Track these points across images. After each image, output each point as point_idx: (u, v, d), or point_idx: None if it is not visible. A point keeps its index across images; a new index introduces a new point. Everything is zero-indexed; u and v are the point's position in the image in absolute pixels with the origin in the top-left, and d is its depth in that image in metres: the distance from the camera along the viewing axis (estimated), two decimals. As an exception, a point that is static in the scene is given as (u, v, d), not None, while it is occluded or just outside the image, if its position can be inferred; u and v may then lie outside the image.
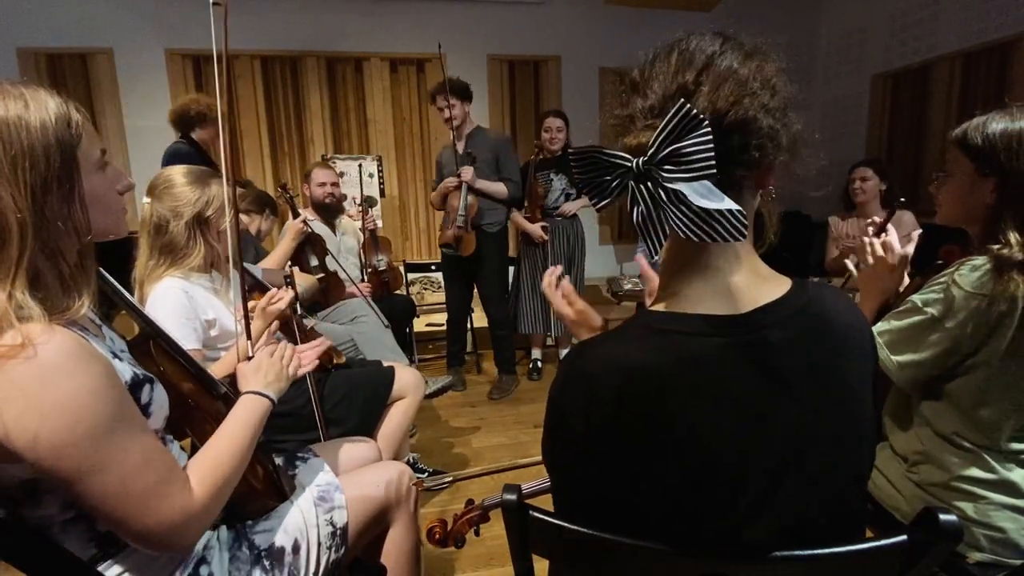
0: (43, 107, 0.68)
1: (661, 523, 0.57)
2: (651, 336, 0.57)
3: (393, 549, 1.19)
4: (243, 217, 2.46)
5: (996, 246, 0.94)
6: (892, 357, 1.03)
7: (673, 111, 0.47)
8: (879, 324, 1.07)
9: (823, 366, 0.57)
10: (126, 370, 0.77)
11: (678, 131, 0.48)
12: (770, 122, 0.54)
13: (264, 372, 1.01)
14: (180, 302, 1.34)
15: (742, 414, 0.55)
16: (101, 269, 0.92)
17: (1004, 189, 0.96)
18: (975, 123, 1.01)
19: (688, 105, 0.47)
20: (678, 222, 0.48)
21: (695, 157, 0.47)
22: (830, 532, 0.58)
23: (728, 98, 0.53)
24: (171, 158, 2.61)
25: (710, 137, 0.47)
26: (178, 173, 1.41)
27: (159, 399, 0.83)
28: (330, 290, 2.62)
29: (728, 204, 0.47)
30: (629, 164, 0.50)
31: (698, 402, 0.55)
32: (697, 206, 0.47)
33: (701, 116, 0.47)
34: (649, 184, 0.50)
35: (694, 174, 0.48)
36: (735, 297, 0.57)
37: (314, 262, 2.59)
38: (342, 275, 2.70)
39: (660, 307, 0.61)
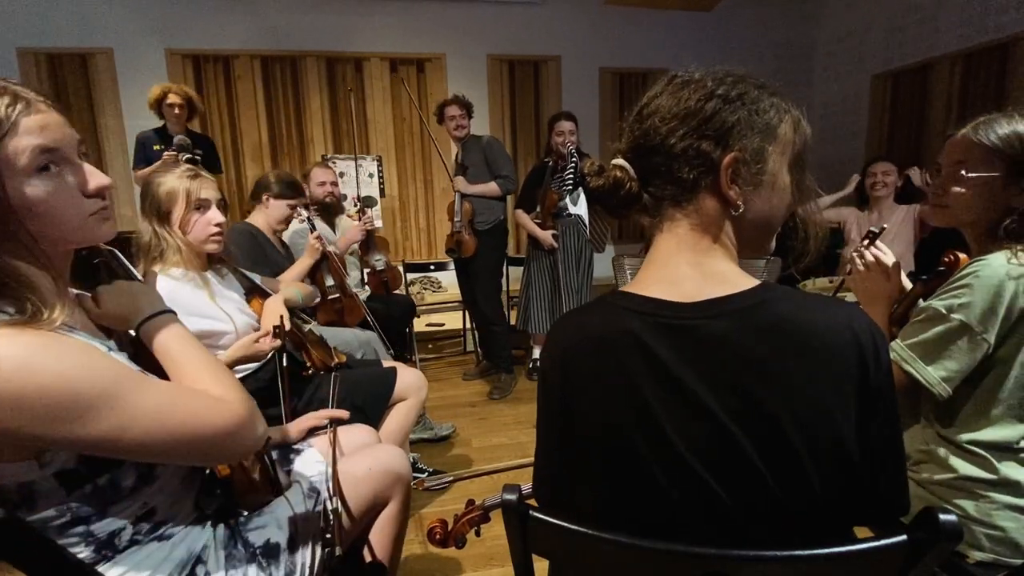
0: None
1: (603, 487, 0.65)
2: (601, 308, 0.68)
3: (382, 529, 1.20)
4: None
5: None
6: (929, 370, 1.00)
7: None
8: (900, 339, 1.05)
9: (768, 364, 0.58)
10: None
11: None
12: (684, 143, 0.63)
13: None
14: None
15: (663, 388, 0.60)
16: (115, 251, 0.91)
17: None
18: (1004, 125, 0.99)
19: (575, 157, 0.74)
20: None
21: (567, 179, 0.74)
22: (775, 530, 0.59)
23: (637, 132, 0.68)
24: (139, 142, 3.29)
25: (572, 168, 0.77)
26: (156, 172, 1.46)
27: None
28: (347, 312, 2.60)
29: (576, 211, 0.75)
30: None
31: (620, 367, 0.62)
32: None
33: (623, 147, 0.69)
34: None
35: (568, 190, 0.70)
36: (681, 287, 0.64)
37: (330, 282, 2.58)
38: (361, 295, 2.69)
39: (626, 287, 0.69)
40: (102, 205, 0.74)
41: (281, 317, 1.46)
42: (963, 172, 1.02)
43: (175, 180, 1.42)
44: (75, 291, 0.85)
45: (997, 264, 0.95)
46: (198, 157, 3.07)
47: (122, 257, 0.93)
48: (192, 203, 1.42)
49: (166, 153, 3.02)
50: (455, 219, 3.21)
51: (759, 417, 0.57)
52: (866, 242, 1.20)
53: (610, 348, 0.63)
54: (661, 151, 0.65)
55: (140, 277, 0.96)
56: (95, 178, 0.72)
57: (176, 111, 3.21)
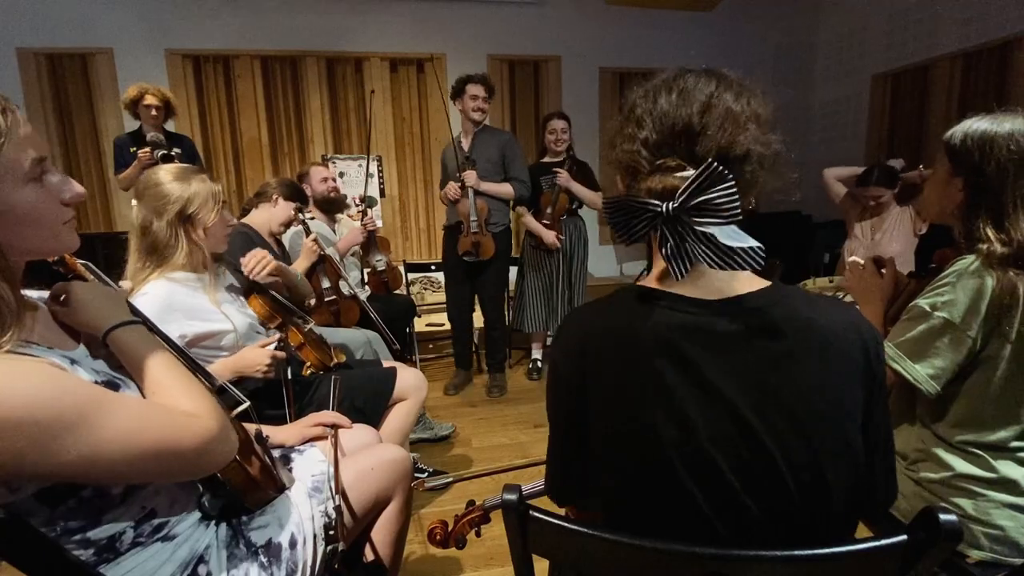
0: None
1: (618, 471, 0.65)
2: (618, 300, 0.68)
3: (383, 528, 1.21)
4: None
5: (983, 245, 0.96)
6: (917, 367, 1.01)
7: (702, 168, 0.57)
8: (889, 338, 1.06)
9: (783, 359, 0.60)
10: (86, 376, 0.74)
11: (707, 184, 0.57)
12: (759, 150, 0.64)
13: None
14: (151, 312, 1.31)
15: (685, 378, 0.61)
16: (90, 264, 0.92)
17: (973, 188, 0.99)
18: (962, 124, 1.03)
19: (717, 165, 0.56)
20: (705, 256, 0.59)
21: (724, 206, 0.57)
22: (786, 526, 0.60)
23: (728, 137, 0.62)
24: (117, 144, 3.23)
25: (734, 189, 0.56)
26: (164, 172, 1.40)
27: None
28: (343, 313, 2.61)
29: (749, 243, 0.58)
30: (658, 208, 0.59)
31: (641, 356, 0.63)
32: (724, 244, 0.58)
33: (712, 159, 0.57)
34: (678, 226, 0.59)
35: (724, 220, 0.57)
36: (704, 286, 0.65)
37: (326, 284, 2.58)
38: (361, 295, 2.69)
39: (644, 283, 0.70)
40: (73, 215, 0.74)
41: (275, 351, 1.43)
42: (928, 169, 1.11)
43: (201, 184, 1.41)
44: (34, 293, 0.81)
45: (973, 260, 0.96)
46: (174, 154, 3.05)
47: (97, 270, 0.93)
48: (221, 207, 1.44)
49: (140, 152, 2.97)
50: (471, 219, 2.92)
51: (777, 410, 0.59)
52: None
53: (630, 338, 0.64)
54: (745, 159, 0.68)
55: (116, 287, 0.96)
56: (71, 187, 0.72)
57: (153, 112, 3.15)
